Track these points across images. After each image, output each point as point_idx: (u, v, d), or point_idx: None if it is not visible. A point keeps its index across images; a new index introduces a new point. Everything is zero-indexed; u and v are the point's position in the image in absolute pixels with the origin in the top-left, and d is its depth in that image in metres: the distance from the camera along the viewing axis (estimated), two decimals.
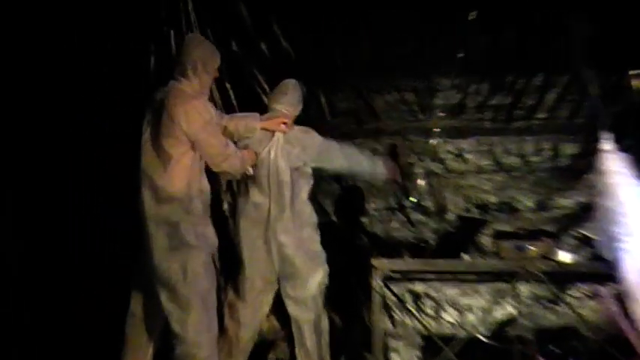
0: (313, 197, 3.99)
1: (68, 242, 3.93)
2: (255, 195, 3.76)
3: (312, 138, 3.88)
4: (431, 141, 4.87)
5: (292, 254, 3.75)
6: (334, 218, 4.91)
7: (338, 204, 4.95)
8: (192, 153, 3.32)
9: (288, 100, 3.91)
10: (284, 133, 3.82)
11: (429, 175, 4.91)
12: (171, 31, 4.40)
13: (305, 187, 3.82)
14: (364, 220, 4.97)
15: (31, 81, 4.00)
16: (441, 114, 4.90)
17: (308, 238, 3.82)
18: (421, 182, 4.83)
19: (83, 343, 3.77)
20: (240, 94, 4.46)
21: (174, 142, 3.27)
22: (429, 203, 4.91)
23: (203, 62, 3.35)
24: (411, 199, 4.85)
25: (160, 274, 3.30)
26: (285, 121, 3.81)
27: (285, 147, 3.78)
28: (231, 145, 3.46)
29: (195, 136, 3.26)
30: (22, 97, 3.96)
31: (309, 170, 3.85)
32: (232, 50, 4.61)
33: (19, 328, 3.70)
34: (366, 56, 4.77)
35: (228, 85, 4.46)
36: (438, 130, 4.88)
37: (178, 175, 3.27)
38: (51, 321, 3.86)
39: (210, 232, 3.41)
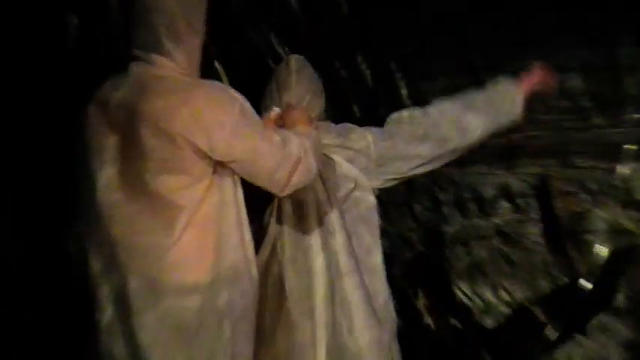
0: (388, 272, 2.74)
1: (68, 242, 3.15)
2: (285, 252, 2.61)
3: (356, 131, 2.71)
4: (619, 168, 3.65)
5: None
6: (429, 320, 3.89)
7: (432, 286, 3.96)
8: (222, 191, 2.36)
9: (297, 94, 2.68)
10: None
11: (616, 235, 3.69)
12: None
13: (365, 236, 2.62)
14: (489, 322, 3.84)
15: (31, 80, 3.53)
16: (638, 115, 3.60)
17: (380, 339, 2.57)
18: (601, 249, 3.64)
19: (83, 343, 3.04)
20: (243, 79, 3.28)
21: (184, 181, 2.29)
22: (618, 295, 3.57)
23: (186, 17, 2.36)
24: (582, 282, 3.63)
25: None
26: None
27: (331, 149, 2.64)
28: (292, 138, 2.45)
29: (232, 152, 2.32)
30: (22, 97, 3.53)
31: (372, 199, 2.65)
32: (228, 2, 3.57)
33: (19, 328, 3.52)
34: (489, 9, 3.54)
35: (218, 66, 3.47)
36: (633, 146, 3.62)
37: (196, 241, 2.30)
38: (51, 321, 3.56)
39: (249, 350, 2.42)
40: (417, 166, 2.76)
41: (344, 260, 2.61)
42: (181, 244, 2.34)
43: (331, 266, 2.62)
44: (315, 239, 2.62)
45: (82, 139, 2.44)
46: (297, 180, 2.50)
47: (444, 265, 3.94)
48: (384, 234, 2.86)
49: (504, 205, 3.86)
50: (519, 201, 3.82)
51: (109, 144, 2.41)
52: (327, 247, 2.64)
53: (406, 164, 2.74)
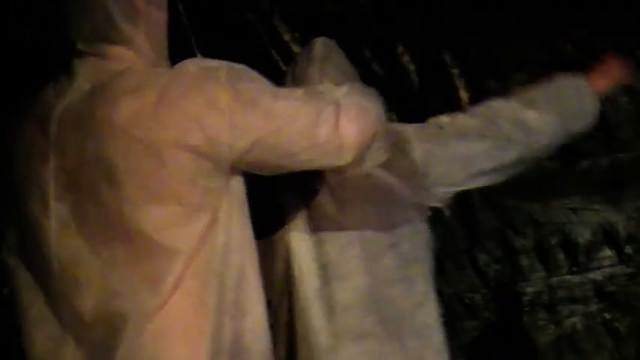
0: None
1: None
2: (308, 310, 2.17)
3: (390, 125, 2.26)
4: None
5: None
6: None
7: None
8: (228, 229, 1.88)
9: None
10: None
11: None
12: None
13: (419, 282, 2.13)
14: None
15: (32, 79, 2.59)
16: None
17: None
18: None
19: None
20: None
21: (176, 213, 1.89)
22: None
23: None
24: None
25: None
26: None
27: None
28: (318, 87, 2.00)
29: (242, 132, 1.89)
30: (22, 95, 2.66)
31: (426, 229, 2.21)
32: None
33: (19, 327, 2.85)
34: None
35: (197, 52, 3.03)
36: None
37: (191, 303, 1.86)
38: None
39: None
40: (477, 175, 2.24)
41: (354, 318, 2.12)
42: (170, 309, 1.89)
43: (334, 326, 2.12)
44: (308, 286, 2.15)
45: (9, 169, 1.93)
46: (354, 129, 2.02)
47: (521, 339, 3.30)
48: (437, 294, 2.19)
49: (606, 253, 3.23)
50: (628, 248, 3.18)
51: (51, 172, 1.95)
52: (326, 300, 2.15)
53: (462, 169, 2.23)
